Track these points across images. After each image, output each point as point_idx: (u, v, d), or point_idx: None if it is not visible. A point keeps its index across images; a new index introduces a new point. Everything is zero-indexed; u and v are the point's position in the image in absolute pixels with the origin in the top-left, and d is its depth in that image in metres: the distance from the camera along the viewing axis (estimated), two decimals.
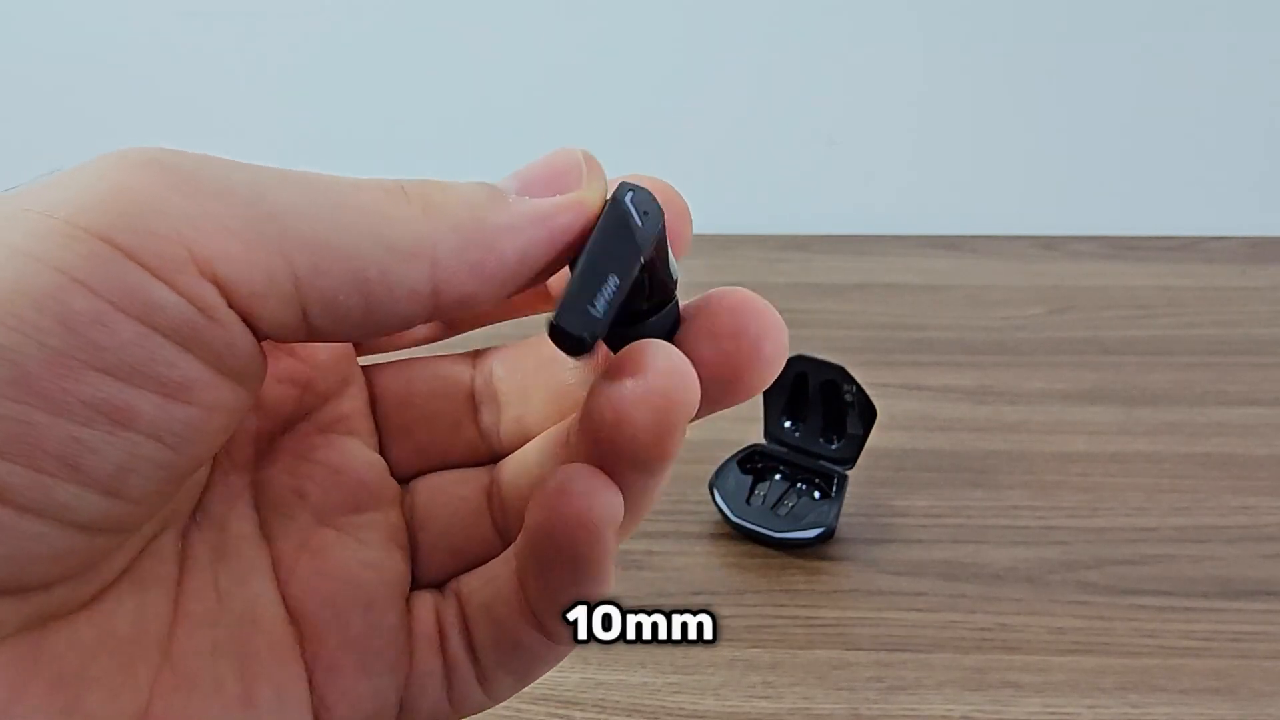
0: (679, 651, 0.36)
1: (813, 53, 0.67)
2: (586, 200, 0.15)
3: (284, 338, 0.14)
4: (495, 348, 0.20)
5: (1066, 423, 0.48)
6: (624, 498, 0.15)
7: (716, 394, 0.16)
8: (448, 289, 0.14)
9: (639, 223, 0.15)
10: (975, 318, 0.58)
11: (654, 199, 0.16)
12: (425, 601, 0.18)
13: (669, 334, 0.16)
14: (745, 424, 0.43)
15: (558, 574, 0.16)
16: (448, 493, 0.19)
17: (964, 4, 0.65)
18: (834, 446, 0.42)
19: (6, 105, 0.71)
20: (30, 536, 0.13)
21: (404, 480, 0.19)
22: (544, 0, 0.66)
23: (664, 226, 0.16)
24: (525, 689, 0.18)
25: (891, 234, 0.69)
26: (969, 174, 0.70)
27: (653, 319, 0.16)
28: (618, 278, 0.15)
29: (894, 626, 0.37)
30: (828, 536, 0.40)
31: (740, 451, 0.43)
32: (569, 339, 0.14)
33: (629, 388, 0.15)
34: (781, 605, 0.38)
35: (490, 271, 0.14)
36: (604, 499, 0.15)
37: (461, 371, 0.20)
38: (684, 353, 0.15)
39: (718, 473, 0.42)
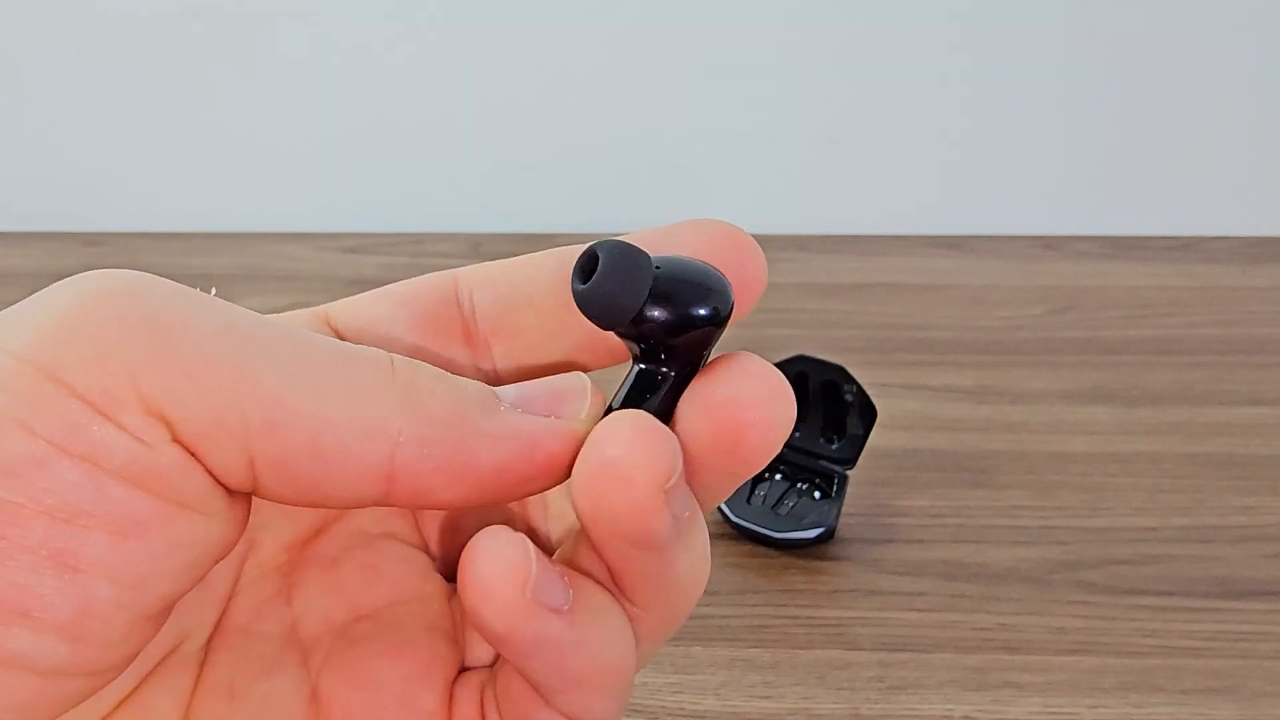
0: (679, 651, 0.36)
1: (812, 52, 0.67)
2: (578, 434, 0.15)
3: (230, 486, 0.14)
4: None
5: (1067, 422, 0.48)
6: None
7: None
8: (404, 478, 0.14)
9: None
10: (976, 317, 0.58)
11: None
12: (471, 684, 0.17)
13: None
14: None
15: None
16: None
17: (964, 4, 0.65)
18: (834, 446, 0.42)
19: (7, 105, 0.71)
20: None
21: (453, 574, 0.18)
22: (544, 0, 0.66)
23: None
24: None
25: (891, 234, 0.69)
26: (969, 174, 0.70)
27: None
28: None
29: (894, 626, 0.37)
30: (828, 536, 0.40)
31: None
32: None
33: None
34: (782, 605, 0.38)
35: (456, 473, 0.14)
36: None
37: None
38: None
39: None
